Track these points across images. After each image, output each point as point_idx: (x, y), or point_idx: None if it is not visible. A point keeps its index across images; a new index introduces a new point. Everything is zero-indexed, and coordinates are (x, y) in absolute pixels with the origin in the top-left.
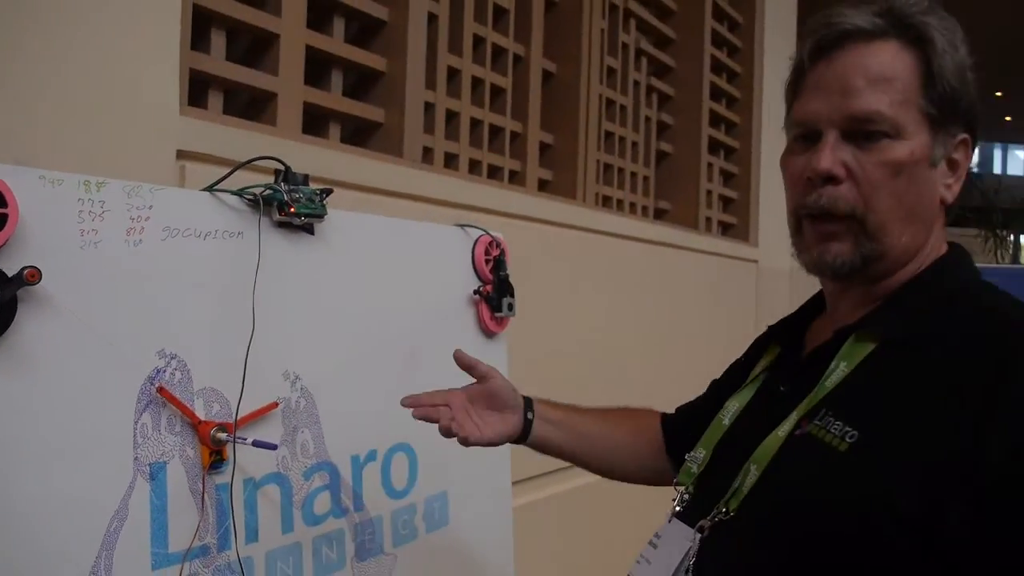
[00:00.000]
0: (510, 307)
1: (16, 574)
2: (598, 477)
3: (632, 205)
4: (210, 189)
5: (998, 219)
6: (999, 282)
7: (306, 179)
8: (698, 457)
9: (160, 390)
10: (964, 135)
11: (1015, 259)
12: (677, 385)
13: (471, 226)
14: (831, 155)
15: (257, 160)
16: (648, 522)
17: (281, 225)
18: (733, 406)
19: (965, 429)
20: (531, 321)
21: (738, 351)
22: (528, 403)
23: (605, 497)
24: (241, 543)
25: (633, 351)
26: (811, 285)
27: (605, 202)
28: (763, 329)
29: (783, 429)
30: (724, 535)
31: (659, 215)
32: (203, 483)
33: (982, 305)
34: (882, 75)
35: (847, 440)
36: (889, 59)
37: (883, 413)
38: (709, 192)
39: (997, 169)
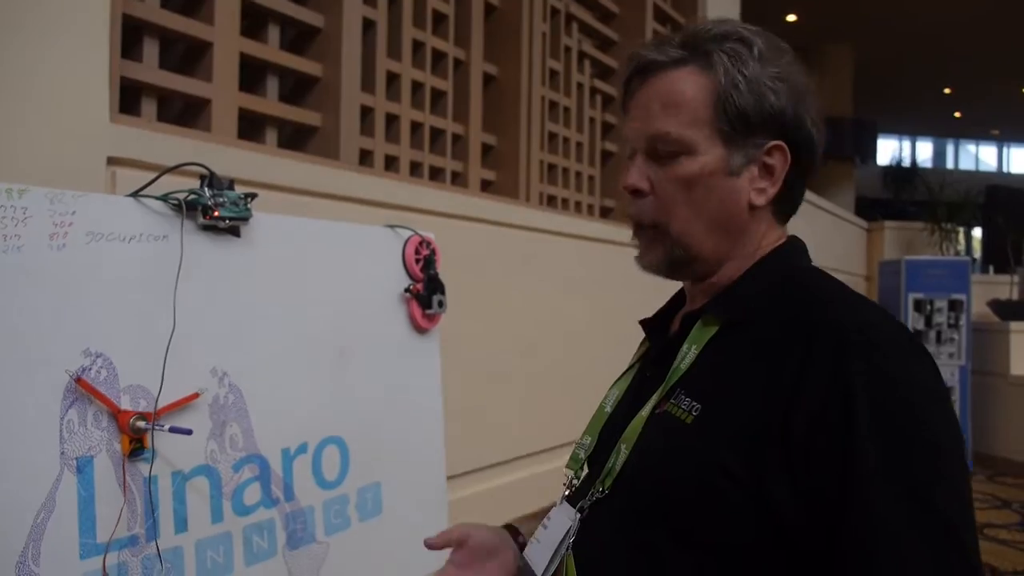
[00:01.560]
0: (440, 304)
1: None
2: (532, 471)
3: (577, 204)
4: (135, 195)
5: (943, 213)
6: (943, 272)
7: (231, 184)
8: (584, 443)
9: (78, 381)
10: (776, 142)
11: (968, 251)
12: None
13: (401, 227)
14: (636, 172)
15: (183, 166)
16: None
17: (206, 228)
18: (613, 393)
19: (779, 402)
20: (471, 320)
21: None
22: (512, 529)
23: (539, 492)
24: (169, 533)
25: (575, 347)
26: None
27: (550, 201)
28: None
29: (646, 409)
30: (601, 512)
31: (605, 213)
32: (124, 471)
33: (805, 288)
34: (672, 100)
35: (692, 414)
36: (680, 86)
37: (720, 387)
38: None
39: (950, 163)
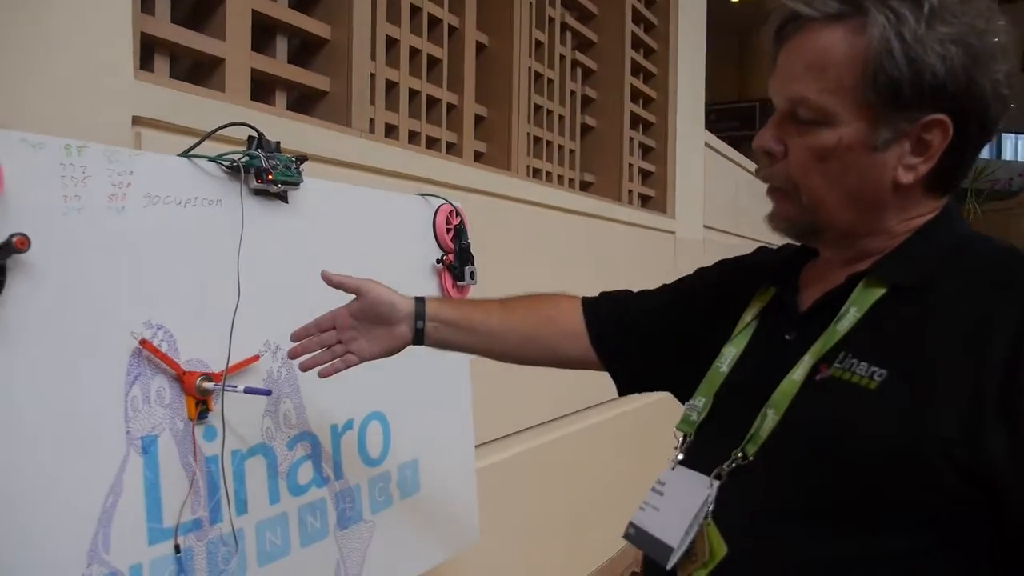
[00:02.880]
0: (472, 275)
1: (13, 553)
2: (554, 436)
3: (559, 177)
4: (186, 155)
5: None
6: None
7: (278, 146)
8: (698, 405)
9: (143, 343)
10: (936, 116)
11: None
12: None
13: (432, 195)
14: (767, 133)
15: (228, 127)
16: (596, 478)
17: (257, 193)
18: (730, 352)
19: (995, 367)
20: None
21: None
22: (420, 309)
23: (560, 455)
24: (232, 515)
25: None
26: (724, 255)
27: (535, 174)
28: None
29: (797, 373)
30: (743, 480)
31: (584, 187)
32: (194, 440)
33: (990, 252)
34: (816, 62)
35: (876, 379)
36: (827, 46)
37: (908, 351)
38: (630, 165)
39: None
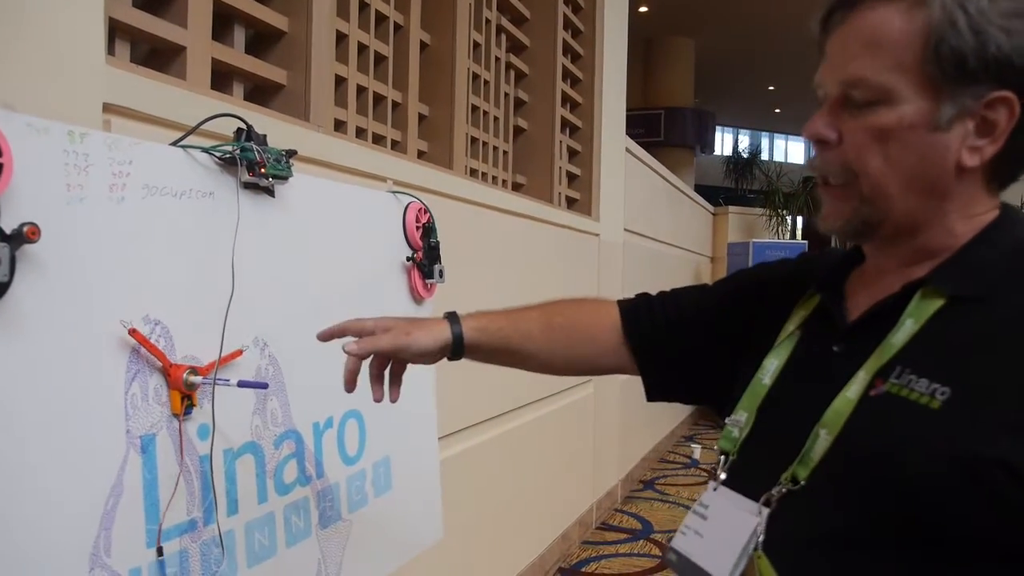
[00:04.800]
0: (440, 274)
1: (13, 557)
2: (511, 426)
3: (494, 178)
4: (179, 145)
5: (779, 200)
6: (783, 254)
7: (265, 139)
8: (740, 420)
9: (132, 332)
10: (1002, 92)
11: (793, 235)
12: None
13: (402, 192)
14: (819, 120)
15: (217, 117)
16: (554, 468)
17: (247, 186)
18: (772, 364)
19: None
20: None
21: None
22: (458, 348)
23: (518, 444)
24: (223, 515)
25: None
26: (642, 259)
27: (472, 174)
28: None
29: (852, 390)
30: (795, 507)
31: (516, 188)
32: (180, 437)
33: None
34: (874, 38)
35: (938, 397)
36: (886, 22)
37: (972, 369)
38: (560, 168)
39: (764, 155)
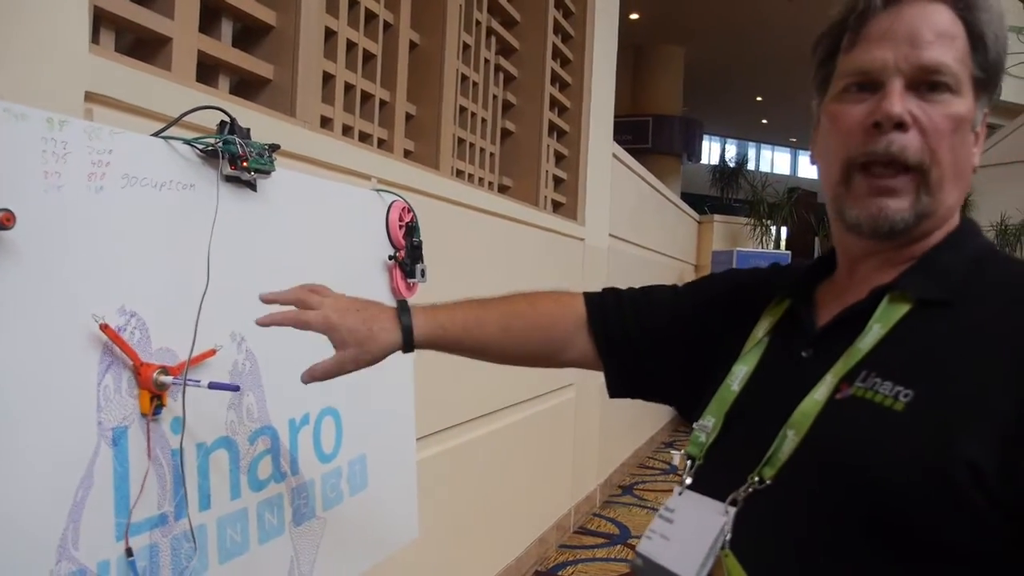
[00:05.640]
0: (423, 273)
1: None
2: (491, 428)
3: (480, 179)
4: (161, 136)
5: (764, 210)
6: (767, 263)
7: (248, 133)
8: (707, 426)
9: (103, 327)
10: (987, 109)
11: (776, 245)
12: None
13: (386, 191)
14: (899, 100)
15: (199, 110)
16: (509, 477)
17: (228, 180)
18: (740, 371)
19: None
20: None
21: None
22: (408, 340)
23: (498, 446)
24: (195, 510)
25: None
26: (627, 264)
27: (458, 175)
28: None
29: (819, 392)
30: (762, 506)
31: (502, 191)
32: (148, 437)
33: (1015, 269)
34: (947, 32)
35: (902, 399)
36: (949, 19)
37: (936, 372)
38: (546, 171)
39: (751, 165)
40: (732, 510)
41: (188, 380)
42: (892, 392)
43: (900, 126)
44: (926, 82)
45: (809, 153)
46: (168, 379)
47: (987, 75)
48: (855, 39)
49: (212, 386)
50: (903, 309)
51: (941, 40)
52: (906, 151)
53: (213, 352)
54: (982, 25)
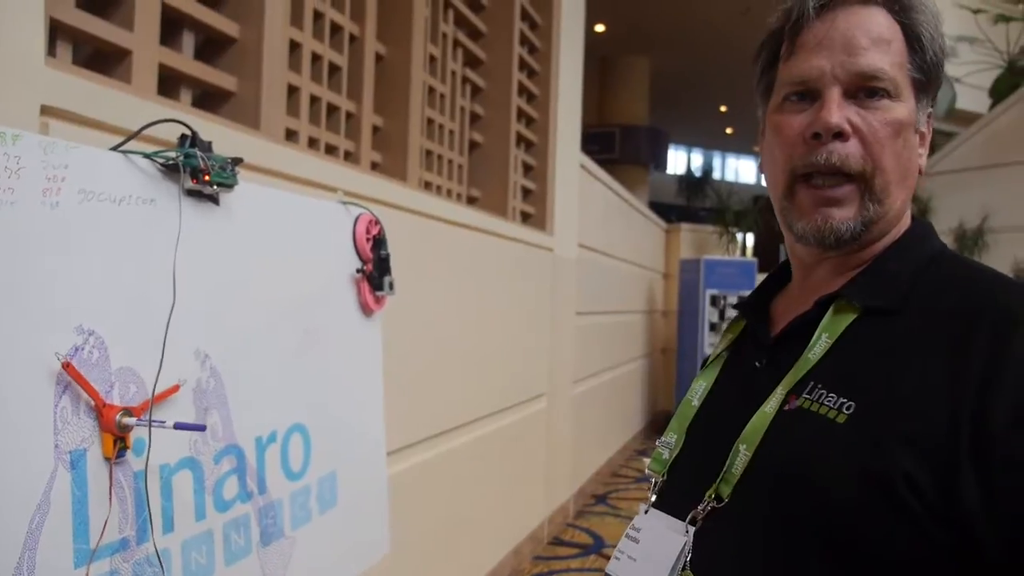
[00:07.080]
0: (391, 286)
1: None
2: (463, 440)
3: (448, 191)
4: (119, 150)
5: (730, 218)
6: (734, 271)
7: (210, 146)
8: (670, 442)
9: (66, 366)
10: (931, 108)
11: (743, 252)
12: (477, 363)
13: (352, 203)
14: (837, 110)
15: (160, 123)
16: (496, 483)
17: (190, 194)
18: (700, 386)
19: (967, 400)
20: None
21: (538, 332)
22: None
23: (470, 458)
24: (158, 534)
25: (444, 328)
26: (596, 273)
27: (426, 186)
28: (560, 313)
29: (770, 405)
30: (720, 524)
31: (470, 202)
32: (111, 475)
33: (961, 273)
34: (882, 36)
35: (844, 412)
36: (885, 23)
37: (878, 382)
38: (515, 183)
39: (716, 175)
40: (692, 529)
41: (153, 421)
42: (836, 404)
43: (839, 135)
44: (864, 88)
45: (758, 163)
46: (132, 420)
47: (926, 76)
48: (792, 48)
49: (178, 427)
50: (849, 318)
51: (877, 46)
52: (847, 160)
53: (177, 388)
54: (918, 26)
